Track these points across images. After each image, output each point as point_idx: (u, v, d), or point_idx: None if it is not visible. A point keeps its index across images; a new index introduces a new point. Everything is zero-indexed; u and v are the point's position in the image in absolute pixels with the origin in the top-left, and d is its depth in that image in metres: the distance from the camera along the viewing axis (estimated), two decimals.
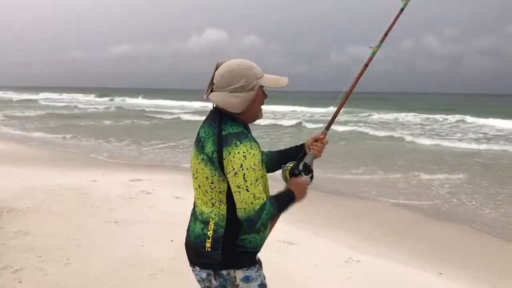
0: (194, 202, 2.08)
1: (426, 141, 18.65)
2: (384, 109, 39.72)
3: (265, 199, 1.87)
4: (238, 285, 1.98)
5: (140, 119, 28.83)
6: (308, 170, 2.12)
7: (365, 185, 9.54)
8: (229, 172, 1.83)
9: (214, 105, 1.98)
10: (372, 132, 21.92)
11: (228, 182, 1.87)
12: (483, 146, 17.19)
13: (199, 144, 1.96)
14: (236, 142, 1.82)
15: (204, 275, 2.01)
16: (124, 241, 4.89)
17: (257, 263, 2.04)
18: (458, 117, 31.32)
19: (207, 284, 2.03)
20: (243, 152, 1.81)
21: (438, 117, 32.29)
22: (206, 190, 1.94)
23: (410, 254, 5.48)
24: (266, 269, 2.13)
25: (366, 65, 2.41)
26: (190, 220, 2.10)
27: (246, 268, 1.98)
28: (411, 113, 35.58)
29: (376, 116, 34.09)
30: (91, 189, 7.27)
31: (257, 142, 1.90)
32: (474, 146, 17.42)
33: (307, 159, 2.18)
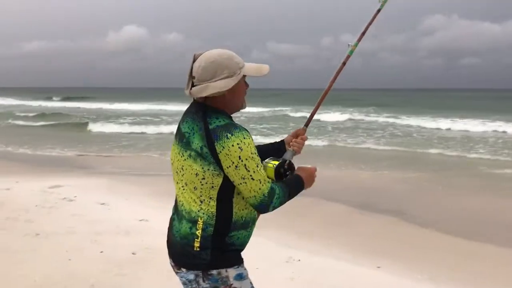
0: (176, 200, 1.98)
1: None
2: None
3: (270, 181, 1.86)
4: (232, 284, 1.88)
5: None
6: (292, 168, 2.07)
7: None
8: (229, 166, 1.77)
9: (195, 98, 1.89)
10: None
11: (223, 177, 1.81)
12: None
13: (183, 140, 1.87)
14: (227, 135, 1.77)
15: (191, 276, 1.88)
16: (48, 256, 4.44)
17: (243, 262, 1.96)
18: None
19: (194, 286, 1.90)
20: (237, 144, 1.76)
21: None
22: (195, 187, 1.84)
23: (348, 249, 5.52)
24: None
25: (344, 63, 2.41)
26: (173, 219, 1.99)
27: (237, 266, 1.90)
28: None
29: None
30: (4, 199, 6.60)
31: (247, 130, 1.83)
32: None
33: (288, 156, 2.16)
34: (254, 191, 1.80)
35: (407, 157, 13.85)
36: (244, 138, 1.78)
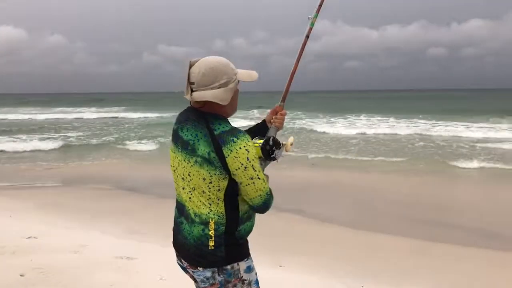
0: (180, 203, 2.08)
1: None
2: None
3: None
4: (242, 276, 2.03)
5: None
6: (277, 143, 2.14)
7: None
8: (238, 168, 1.89)
9: (193, 105, 2.01)
10: None
11: (229, 179, 1.92)
12: None
13: (188, 148, 1.97)
14: (233, 139, 1.89)
15: (208, 274, 2.01)
16: None
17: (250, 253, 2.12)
18: None
19: (211, 282, 2.03)
20: (244, 147, 1.89)
21: None
22: (203, 191, 1.95)
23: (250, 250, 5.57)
24: None
25: (307, 36, 2.50)
26: (181, 223, 2.07)
27: (246, 259, 2.05)
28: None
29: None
30: None
31: (247, 134, 1.97)
32: None
33: (272, 133, 2.25)
34: (260, 190, 1.96)
35: (295, 160, 14.42)
36: (248, 140, 1.92)
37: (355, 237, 6.32)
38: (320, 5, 2.54)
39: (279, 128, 2.32)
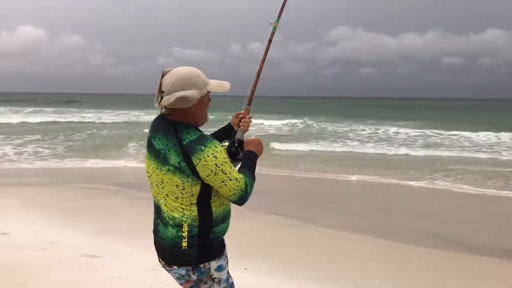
0: (159, 208, 2.16)
1: None
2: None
3: (243, 176, 2.08)
4: (213, 275, 2.15)
5: None
6: (241, 144, 2.32)
7: None
8: (208, 175, 2.00)
9: (163, 112, 2.11)
10: None
11: (201, 184, 2.03)
12: None
13: (160, 157, 2.07)
14: (200, 147, 1.99)
15: (183, 272, 2.14)
16: None
17: (225, 250, 2.22)
18: None
19: (187, 279, 2.15)
20: (212, 154, 1.99)
21: None
22: (176, 197, 2.06)
23: None
24: None
25: (270, 40, 2.67)
26: (158, 224, 2.18)
27: (218, 258, 2.16)
28: None
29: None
30: None
31: (215, 139, 2.08)
32: None
33: (239, 135, 2.39)
34: (234, 189, 2.05)
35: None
36: (216, 146, 2.02)
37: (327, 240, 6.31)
38: (282, 10, 2.71)
39: (245, 131, 2.45)
